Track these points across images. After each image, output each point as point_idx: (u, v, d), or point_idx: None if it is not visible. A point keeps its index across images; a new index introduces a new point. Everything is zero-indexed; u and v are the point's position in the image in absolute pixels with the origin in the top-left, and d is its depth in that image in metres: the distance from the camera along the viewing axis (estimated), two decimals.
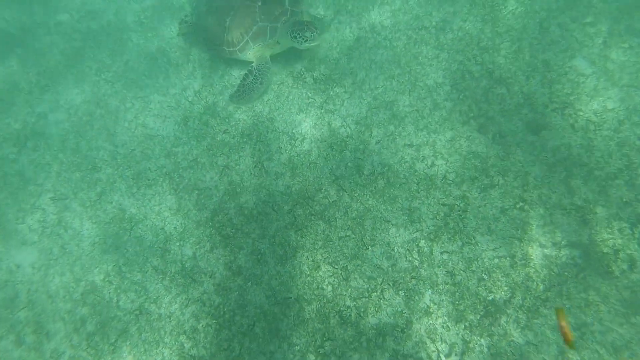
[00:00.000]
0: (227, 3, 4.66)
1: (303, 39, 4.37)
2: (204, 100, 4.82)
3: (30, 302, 3.94)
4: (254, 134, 4.51)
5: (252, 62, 4.68)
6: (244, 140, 4.49)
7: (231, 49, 4.63)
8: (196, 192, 4.27)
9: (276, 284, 3.75)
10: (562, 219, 3.63)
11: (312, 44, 4.41)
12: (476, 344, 3.35)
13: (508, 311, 3.42)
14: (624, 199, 3.55)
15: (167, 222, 4.15)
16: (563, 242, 3.55)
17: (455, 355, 3.33)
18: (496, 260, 3.60)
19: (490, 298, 3.48)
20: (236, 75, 4.92)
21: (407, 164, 4.07)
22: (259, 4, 4.52)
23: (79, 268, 4.03)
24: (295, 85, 4.69)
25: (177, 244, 4.04)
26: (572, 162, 3.79)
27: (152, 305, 3.80)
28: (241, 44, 4.56)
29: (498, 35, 4.41)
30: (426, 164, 4.05)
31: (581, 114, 3.91)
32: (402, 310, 3.53)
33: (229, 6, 4.62)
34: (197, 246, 4.02)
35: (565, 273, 3.45)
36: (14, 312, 3.89)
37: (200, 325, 3.67)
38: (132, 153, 4.59)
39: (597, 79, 4.02)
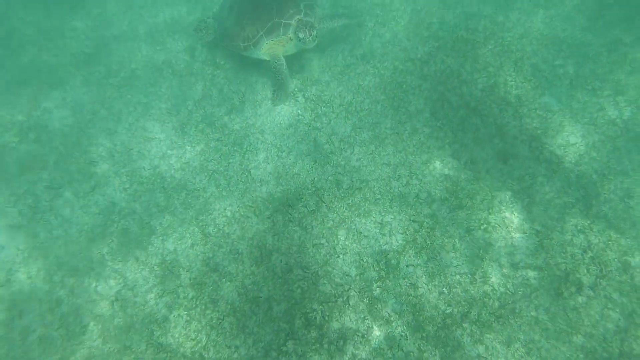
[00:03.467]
0: (247, 5, 5.09)
1: (297, 38, 4.78)
2: (203, 110, 5.14)
3: (8, 282, 4.12)
4: (244, 143, 4.80)
5: (267, 60, 5.03)
6: (235, 149, 4.78)
7: (246, 43, 4.99)
8: (185, 192, 4.52)
9: (249, 282, 3.95)
10: (521, 242, 3.85)
11: (307, 46, 4.83)
12: (430, 354, 3.51)
13: (464, 325, 3.60)
14: (578, 227, 3.79)
15: (153, 217, 4.39)
16: (521, 264, 3.76)
17: None
18: (457, 277, 3.80)
19: (448, 311, 3.67)
20: (234, 89, 5.26)
21: (383, 181, 4.34)
22: (275, 4, 4.92)
23: (63, 252, 4.24)
24: (287, 103, 5.01)
25: (161, 238, 4.26)
26: (535, 191, 4.04)
27: (129, 292, 3.98)
28: (256, 38, 4.92)
29: (476, 71, 4.76)
30: (401, 183, 4.31)
31: (547, 146, 4.20)
32: (364, 317, 3.72)
33: (249, 7, 5.06)
34: (179, 242, 4.24)
35: (520, 292, 3.65)
36: None
37: (172, 315, 3.85)
38: (129, 152, 4.87)
39: (562, 115, 4.33)
